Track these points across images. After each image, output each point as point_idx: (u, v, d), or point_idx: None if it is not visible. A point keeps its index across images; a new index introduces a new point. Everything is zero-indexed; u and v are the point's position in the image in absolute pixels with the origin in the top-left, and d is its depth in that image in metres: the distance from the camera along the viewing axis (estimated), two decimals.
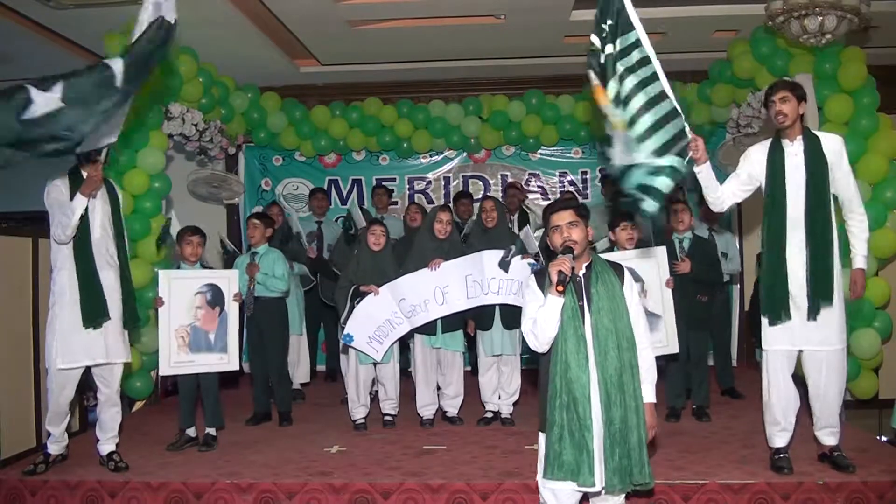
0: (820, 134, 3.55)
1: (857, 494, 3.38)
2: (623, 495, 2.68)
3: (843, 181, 3.48)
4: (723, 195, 3.57)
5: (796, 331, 3.48)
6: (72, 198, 3.76)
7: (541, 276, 2.70)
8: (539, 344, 2.62)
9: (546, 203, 6.62)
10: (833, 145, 3.47)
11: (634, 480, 2.58)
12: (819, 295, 3.41)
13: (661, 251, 4.23)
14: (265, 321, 4.94)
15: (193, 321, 4.35)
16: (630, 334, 2.64)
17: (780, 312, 3.47)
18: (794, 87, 3.50)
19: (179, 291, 4.36)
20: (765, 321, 3.56)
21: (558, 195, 7.03)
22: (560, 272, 2.51)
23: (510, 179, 7.13)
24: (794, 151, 3.48)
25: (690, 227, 4.76)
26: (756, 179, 3.57)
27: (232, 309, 4.44)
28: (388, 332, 4.61)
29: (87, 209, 3.81)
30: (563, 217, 2.67)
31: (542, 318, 2.57)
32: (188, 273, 4.47)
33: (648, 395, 2.69)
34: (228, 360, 4.42)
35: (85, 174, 3.82)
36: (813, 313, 3.43)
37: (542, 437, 2.69)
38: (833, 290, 3.43)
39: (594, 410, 2.56)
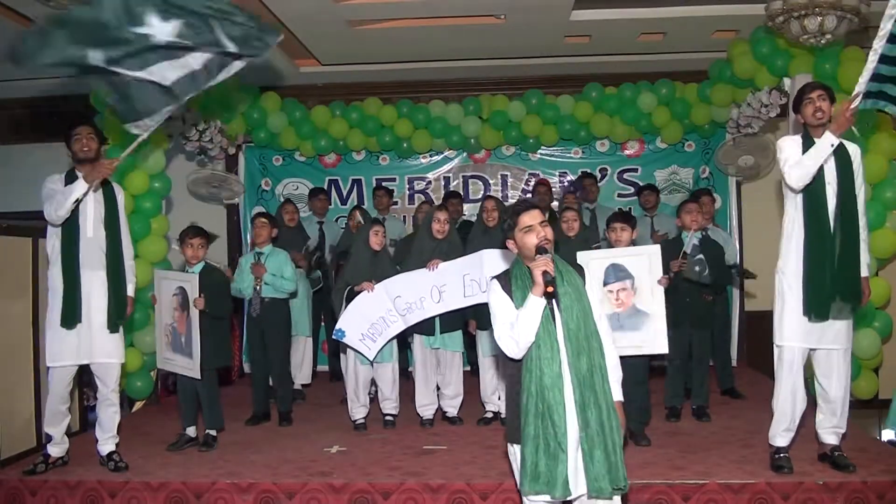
0: (842, 140, 3.51)
1: (857, 494, 3.38)
2: (617, 499, 2.59)
3: (858, 189, 3.47)
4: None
5: (814, 328, 3.46)
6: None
7: (504, 280, 2.61)
8: (520, 350, 2.50)
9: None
10: (855, 153, 3.48)
11: (614, 483, 2.48)
12: (850, 294, 3.38)
13: (655, 249, 4.22)
14: (270, 322, 4.94)
15: (173, 321, 4.35)
16: (598, 334, 2.58)
17: (827, 308, 3.39)
18: (827, 87, 3.51)
19: (164, 291, 4.40)
20: (793, 316, 3.49)
21: (560, 195, 7.03)
22: (545, 273, 2.41)
23: (541, 177, 7.04)
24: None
25: (701, 227, 4.74)
26: None
27: (193, 315, 4.23)
28: (382, 331, 4.59)
29: (77, 208, 3.82)
30: (536, 216, 2.56)
31: (524, 321, 2.46)
32: (171, 273, 4.53)
33: (616, 393, 2.61)
34: (193, 367, 4.23)
35: (80, 174, 3.84)
36: (837, 313, 3.41)
37: (513, 448, 2.62)
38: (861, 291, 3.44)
39: (569, 415, 2.48)
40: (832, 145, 3.30)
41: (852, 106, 3.25)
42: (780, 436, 3.61)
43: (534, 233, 2.54)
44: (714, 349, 5.48)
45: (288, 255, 5.01)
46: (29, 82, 6.75)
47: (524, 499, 2.62)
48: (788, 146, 3.49)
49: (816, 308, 3.42)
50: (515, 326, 2.48)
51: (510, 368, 2.61)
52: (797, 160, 3.35)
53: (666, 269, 4.16)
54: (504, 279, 2.62)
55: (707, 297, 4.70)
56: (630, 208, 6.59)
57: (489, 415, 4.83)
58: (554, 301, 2.51)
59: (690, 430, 4.44)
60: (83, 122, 4.01)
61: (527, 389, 2.50)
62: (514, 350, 2.52)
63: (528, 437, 2.49)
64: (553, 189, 6.85)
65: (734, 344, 6.42)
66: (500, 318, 2.56)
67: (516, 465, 2.63)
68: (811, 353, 3.56)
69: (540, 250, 2.50)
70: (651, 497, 3.43)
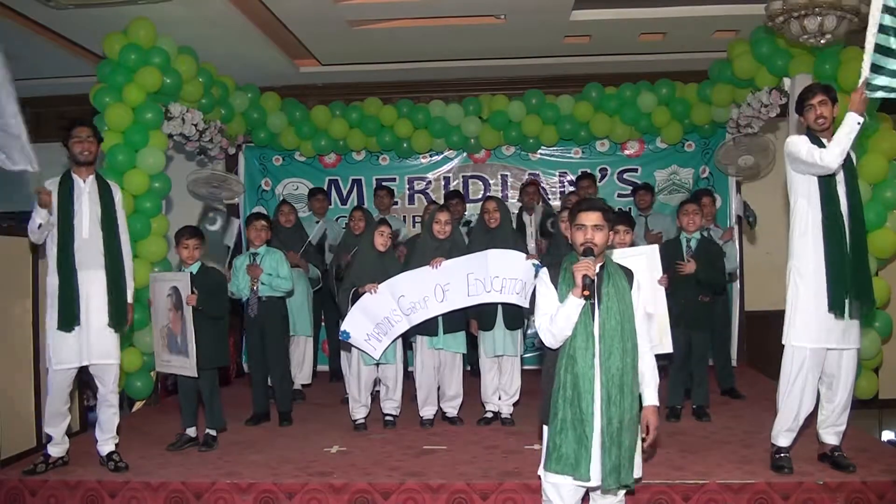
0: None
1: (857, 494, 3.38)
2: (622, 493, 2.72)
3: None
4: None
5: (833, 328, 3.43)
6: (59, 202, 3.81)
7: (554, 271, 2.73)
8: (555, 341, 2.65)
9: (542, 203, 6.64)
10: (853, 155, 3.48)
11: (622, 481, 2.62)
12: (862, 293, 3.38)
13: (653, 249, 4.23)
14: (268, 321, 4.94)
15: (168, 322, 4.34)
16: (635, 337, 2.67)
17: (843, 305, 3.35)
18: (828, 89, 3.48)
19: (158, 292, 4.38)
20: (806, 317, 3.45)
21: (558, 195, 7.04)
22: (585, 276, 2.53)
23: (529, 176, 7.08)
24: None
25: (700, 227, 4.75)
26: None
27: (187, 312, 4.20)
28: (387, 330, 4.59)
29: (72, 211, 3.83)
30: (591, 218, 2.67)
31: (562, 318, 2.60)
32: (163, 275, 4.50)
33: (651, 398, 2.73)
34: (189, 365, 4.22)
35: (76, 178, 3.86)
36: (853, 312, 3.40)
37: (545, 428, 2.73)
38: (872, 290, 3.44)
39: (596, 407, 2.59)
40: (858, 123, 3.24)
41: (863, 94, 3.23)
42: (783, 435, 3.60)
43: (582, 232, 2.66)
44: (714, 349, 5.49)
45: (283, 255, 5.01)
46: (29, 82, 6.75)
47: (545, 481, 2.74)
48: (803, 140, 3.45)
49: (838, 304, 3.36)
50: (554, 320, 2.61)
51: (548, 353, 2.73)
52: (835, 140, 3.27)
53: (665, 269, 4.17)
54: (555, 270, 2.74)
55: (704, 298, 4.70)
56: (629, 209, 6.59)
57: (489, 415, 4.83)
58: (596, 298, 2.63)
59: (690, 430, 4.44)
60: (83, 122, 3.97)
61: (559, 374, 2.63)
62: (550, 341, 2.67)
63: (556, 418, 2.62)
64: (545, 188, 6.98)
65: (734, 344, 6.42)
66: (542, 308, 2.71)
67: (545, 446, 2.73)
68: (827, 353, 3.51)
69: (586, 252, 2.62)
70: (651, 497, 3.43)
